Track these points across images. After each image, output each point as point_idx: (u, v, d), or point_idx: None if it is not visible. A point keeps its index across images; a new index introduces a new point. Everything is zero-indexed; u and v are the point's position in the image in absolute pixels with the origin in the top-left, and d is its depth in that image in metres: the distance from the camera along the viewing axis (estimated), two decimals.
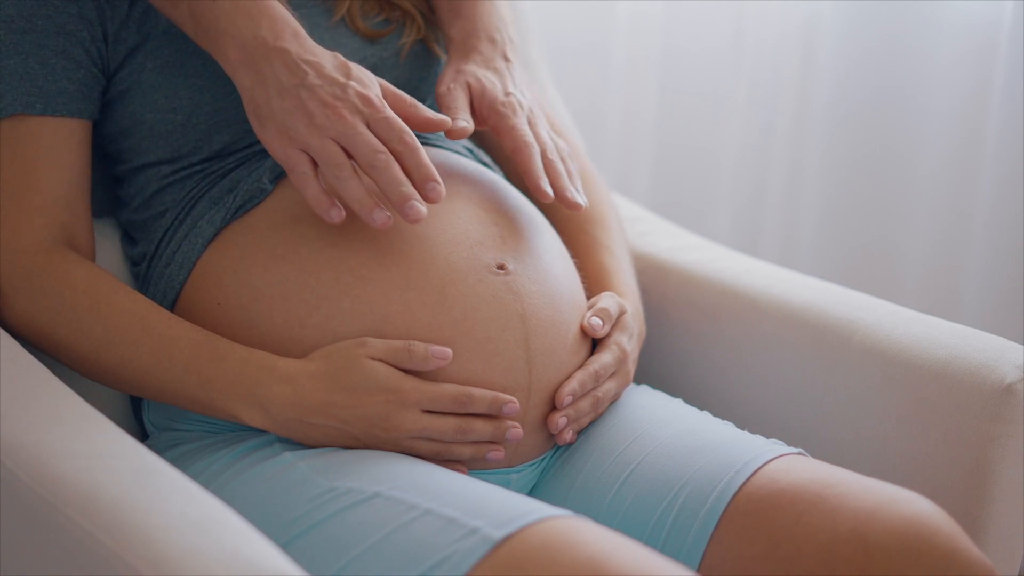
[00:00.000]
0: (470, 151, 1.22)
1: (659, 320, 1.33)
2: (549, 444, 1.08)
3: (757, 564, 0.94)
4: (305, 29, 1.13)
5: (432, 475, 0.93)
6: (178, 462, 1.01)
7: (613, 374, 1.09)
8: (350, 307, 1.00)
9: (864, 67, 1.95)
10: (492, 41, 1.15)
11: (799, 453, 1.03)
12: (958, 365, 1.12)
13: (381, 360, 0.97)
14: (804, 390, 1.22)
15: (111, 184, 1.16)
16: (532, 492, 1.08)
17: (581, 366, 1.07)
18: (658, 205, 2.01)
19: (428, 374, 0.99)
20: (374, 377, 0.96)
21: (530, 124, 1.10)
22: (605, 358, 1.07)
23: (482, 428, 0.99)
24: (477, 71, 1.12)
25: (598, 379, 1.06)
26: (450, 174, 1.09)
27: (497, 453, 1.01)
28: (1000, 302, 1.92)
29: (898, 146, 1.96)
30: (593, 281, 1.18)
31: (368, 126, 0.98)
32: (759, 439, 1.05)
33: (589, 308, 1.11)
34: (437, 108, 1.21)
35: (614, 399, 1.11)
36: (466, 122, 1.07)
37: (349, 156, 0.98)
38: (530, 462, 1.07)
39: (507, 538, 0.84)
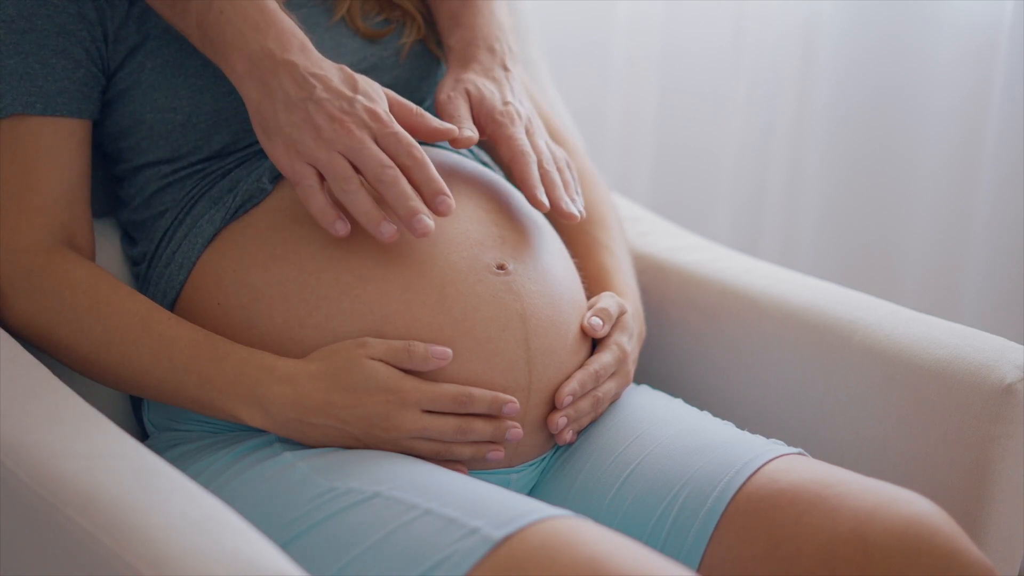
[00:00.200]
0: (471, 151, 1.22)
1: (659, 320, 1.33)
2: (549, 444, 1.08)
3: (757, 564, 0.94)
4: (305, 29, 1.13)
5: (432, 475, 0.93)
6: (178, 462, 1.01)
7: (613, 374, 1.09)
8: (350, 307, 1.00)
9: (864, 67, 1.95)
10: (491, 50, 1.15)
11: (799, 453, 1.03)
12: (958, 365, 1.12)
13: (381, 360, 0.97)
14: (804, 390, 1.22)
15: (111, 184, 1.16)
16: (532, 492, 1.08)
17: (581, 366, 1.07)
18: (658, 205, 2.01)
19: (428, 374, 0.99)
20: (374, 377, 0.96)
21: (528, 134, 1.10)
22: (605, 358, 1.07)
23: (482, 428, 0.99)
24: (476, 80, 1.12)
25: (598, 379, 1.06)
26: (450, 174, 1.09)
27: (497, 453, 1.01)
28: (1000, 302, 1.92)
29: (898, 146, 1.96)
30: (593, 281, 1.18)
31: (376, 141, 0.98)
32: (759, 439, 1.05)
33: (589, 308, 1.11)
34: (436, 112, 1.21)
35: (614, 399, 1.11)
36: (471, 131, 1.07)
37: (356, 170, 0.98)
38: (530, 462, 1.07)
39: (507, 538, 0.84)
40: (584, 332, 1.08)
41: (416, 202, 0.97)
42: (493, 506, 0.87)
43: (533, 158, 1.08)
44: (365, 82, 1.02)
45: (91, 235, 1.11)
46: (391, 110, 1.03)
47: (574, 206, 1.07)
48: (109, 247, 1.16)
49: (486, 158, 1.24)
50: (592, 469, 1.05)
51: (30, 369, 0.98)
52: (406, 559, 0.85)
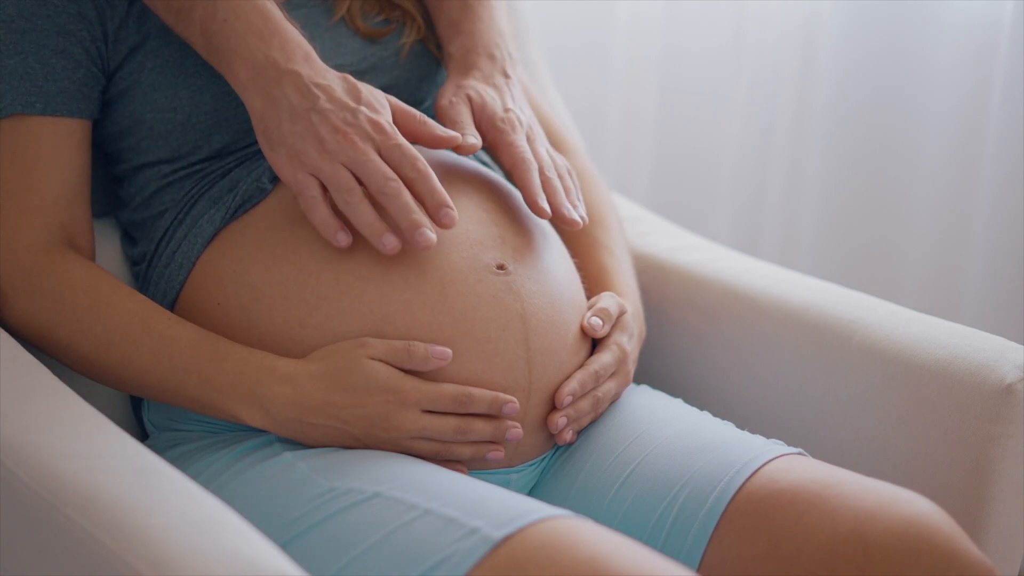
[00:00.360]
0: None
1: (659, 320, 1.33)
2: (549, 444, 1.08)
3: (757, 564, 0.94)
4: (305, 29, 1.13)
5: (432, 475, 0.93)
6: (178, 462, 1.01)
7: (613, 374, 1.09)
8: (350, 307, 1.00)
9: (864, 67, 1.95)
10: (491, 58, 1.16)
11: (799, 453, 1.03)
12: (958, 365, 1.12)
13: (381, 360, 0.97)
14: (804, 390, 1.22)
15: (111, 184, 1.16)
16: (532, 492, 1.08)
17: (581, 366, 1.07)
18: (658, 205, 2.01)
19: (428, 374, 0.99)
20: (374, 377, 0.96)
21: (529, 140, 1.10)
22: (605, 358, 1.07)
23: (482, 428, 0.99)
24: (477, 86, 1.12)
25: (598, 379, 1.06)
26: (450, 174, 1.09)
27: (497, 453, 1.01)
28: (1000, 302, 1.92)
29: (898, 146, 1.96)
30: (593, 281, 1.18)
31: (379, 153, 0.98)
32: (759, 439, 1.05)
33: (589, 308, 1.11)
34: (437, 117, 1.21)
35: (614, 399, 1.11)
36: (474, 138, 1.07)
37: (359, 181, 0.98)
38: (530, 462, 1.07)
39: (507, 538, 0.84)
40: (584, 332, 1.08)
41: (418, 215, 0.97)
42: (493, 506, 0.87)
43: (534, 165, 1.08)
44: (368, 91, 1.02)
45: (91, 235, 1.11)
46: (394, 117, 1.03)
47: (576, 212, 1.07)
48: (109, 247, 1.16)
49: (486, 158, 1.24)
50: (592, 469, 1.05)
51: (30, 369, 0.98)
52: (406, 559, 0.85)
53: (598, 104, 2.08)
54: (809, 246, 2.06)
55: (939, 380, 1.12)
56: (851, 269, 2.03)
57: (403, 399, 0.96)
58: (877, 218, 2.01)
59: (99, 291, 1.03)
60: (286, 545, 0.90)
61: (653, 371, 1.33)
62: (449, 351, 0.98)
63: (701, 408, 1.16)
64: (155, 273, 1.10)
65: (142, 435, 1.12)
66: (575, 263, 1.15)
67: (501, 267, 1.04)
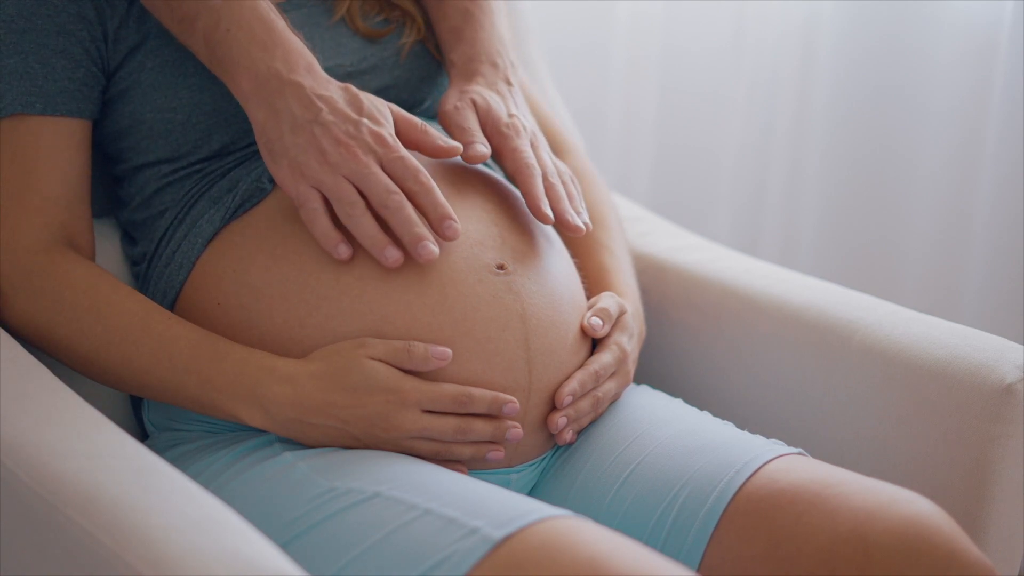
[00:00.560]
0: None
1: (659, 320, 1.33)
2: (549, 444, 1.08)
3: (757, 564, 0.94)
4: (305, 28, 1.13)
5: (432, 475, 0.93)
6: (178, 462, 1.01)
7: (613, 374, 1.09)
8: (350, 307, 1.00)
9: (864, 67, 1.95)
10: (494, 65, 1.16)
11: (799, 453, 1.03)
12: (958, 365, 1.12)
13: (381, 360, 0.97)
14: (804, 390, 1.22)
15: (111, 184, 1.16)
16: (532, 492, 1.08)
17: (581, 366, 1.07)
18: (658, 205, 2.01)
19: (428, 374, 0.99)
20: (374, 377, 0.96)
21: (532, 147, 1.10)
22: (605, 358, 1.07)
23: (482, 428, 0.99)
24: (481, 91, 1.12)
25: (598, 379, 1.07)
26: (450, 173, 1.09)
27: (497, 453, 1.01)
28: (1000, 302, 1.92)
29: (898, 146, 1.96)
30: (593, 281, 1.19)
31: (382, 165, 0.99)
32: (759, 439, 1.05)
33: (589, 308, 1.11)
34: (438, 112, 1.21)
35: (614, 399, 1.11)
36: (484, 146, 1.07)
37: (361, 194, 0.98)
38: (530, 462, 1.07)
39: (507, 538, 0.84)
40: (584, 332, 1.08)
41: (421, 228, 0.98)
42: (493, 506, 0.87)
43: (538, 171, 1.08)
44: (370, 102, 1.02)
45: (91, 235, 1.11)
46: (396, 127, 1.03)
47: (579, 219, 1.07)
48: (109, 247, 1.16)
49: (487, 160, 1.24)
50: (592, 469, 1.05)
51: (30, 369, 0.98)
52: (406, 559, 0.85)
53: (598, 104, 2.08)
54: (809, 246, 2.06)
55: (939, 380, 1.12)
56: (851, 269, 2.03)
57: (403, 399, 0.96)
58: (877, 218, 2.01)
59: (99, 291, 1.03)
60: (286, 545, 0.90)
61: (653, 371, 1.33)
62: (449, 351, 0.98)
63: (701, 408, 1.16)
64: (155, 273, 1.10)
65: (142, 435, 1.12)
66: (575, 263, 1.15)
67: (501, 267, 1.04)
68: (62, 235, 1.07)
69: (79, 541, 0.80)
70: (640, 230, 1.42)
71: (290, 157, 0.99)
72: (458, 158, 1.12)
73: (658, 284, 1.34)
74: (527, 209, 1.12)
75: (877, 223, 2.01)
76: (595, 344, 1.10)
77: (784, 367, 1.23)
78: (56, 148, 1.07)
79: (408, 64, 1.19)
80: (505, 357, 1.01)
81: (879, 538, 0.91)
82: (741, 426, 1.11)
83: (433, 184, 0.99)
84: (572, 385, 1.04)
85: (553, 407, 1.05)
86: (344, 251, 0.99)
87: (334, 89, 1.01)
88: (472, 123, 1.09)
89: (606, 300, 1.12)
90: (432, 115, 1.22)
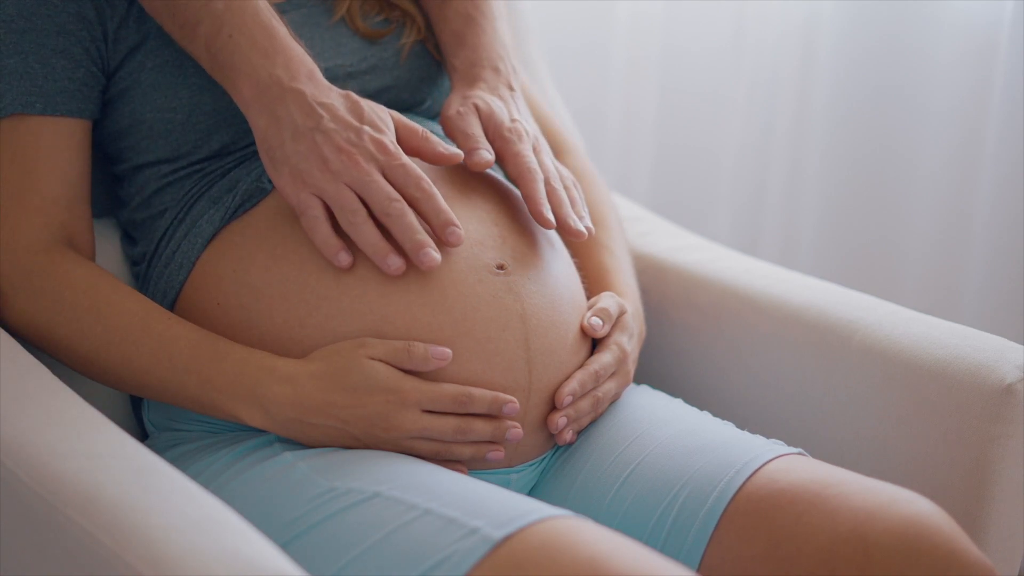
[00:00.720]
0: None
1: (659, 320, 1.33)
2: (549, 444, 1.08)
3: (757, 564, 0.94)
4: (305, 28, 1.13)
5: (432, 475, 0.93)
6: (178, 462, 1.01)
7: (613, 374, 1.09)
8: (350, 307, 1.00)
9: (864, 67, 1.95)
10: (496, 70, 1.16)
11: (799, 453, 1.03)
12: (958, 365, 1.12)
13: (381, 360, 0.97)
14: (804, 390, 1.22)
15: (111, 184, 1.16)
16: (532, 492, 1.08)
17: (581, 366, 1.07)
18: (658, 205, 2.01)
19: (428, 374, 0.99)
20: (374, 377, 0.96)
21: (535, 152, 1.10)
22: (605, 358, 1.08)
23: (482, 428, 0.99)
24: (484, 96, 1.12)
25: (598, 379, 1.07)
26: (450, 173, 1.09)
27: (497, 453, 1.01)
28: (1000, 302, 1.92)
29: (898, 146, 1.96)
30: (593, 281, 1.19)
31: (383, 173, 0.99)
32: (759, 439, 1.05)
33: (589, 308, 1.11)
34: (438, 112, 1.20)
35: (614, 399, 1.11)
36: (488, 152, 1.07)
37: (363, 201, 0.98)
38: (530, 462, 1.07)
39: (507, 538, 0.84)
40: (584, 332, 1.08)
41: (422, 235, 0.98)
42: (493, 506, 0.87)
43: (540, 176, 1.08)
44: (371, 109, 1.02)
45: (91, 235, 1.11)
46: (397, 133, 1.03)
47: (581, 224, 1.07)
48: (109, 247, 1.16)
49: None
50: (592, 469, 1.05)
51: (30, 369, 0.98)
52: (406, 559, 0.85)
53: (598, 104, 2.08)
54: (809, 246, 2.06)
55: (939, 380, 1.12)
56: (851, 269, 2.03)
57: (403, 399, 0.96)
58: (877, 218, 2.01)
59: (99, 291, 1.03)
60: (286, 545, 0.90)
61: (653, 371, 1.33)
62: (449, 351, 0.98)
63: (701, 408, 1.16)
64: (155, 273, 1.10)
65: (142, 435, 1.12)
66: (575, 263, 1.15)
67: (501, 267, 1.04)
68: (62, 235, 1.07)
69: (79, 541, 0.80)
70: (640, 230, 1.42)
71: (291, 165, 0.99)
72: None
73: (658, 284, 1.34)
74: (527, 208, 1.12)
75: (877, 223, 2.01)
76: (595, 344, 1.10)
77: (784, 367, 1.23)
78: (56, 148, 1.07)
79: (408, 64, 1.19)
80: (505, 357, 1.01)
81: (879, 538, 0.91)
82: (741, 426, 1.11)
83: (435, 191, 0.99)
84: (572, 385, 1.04)
85: (553, 407, 1.05)
86: (345, 259, 0.99)
87: (335, 96, 1.01)
88: (476, 129, 1.09)
89: (606, 300, 1.12)
90: (432, 115, 1.23)
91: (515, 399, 1.00)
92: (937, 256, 1.96)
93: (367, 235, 0.98)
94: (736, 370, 1.28)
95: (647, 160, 2.11)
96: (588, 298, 1.14)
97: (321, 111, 0.99)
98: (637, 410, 1.10)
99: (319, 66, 1.06)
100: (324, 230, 0.99)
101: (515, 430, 1.00)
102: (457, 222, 0.99)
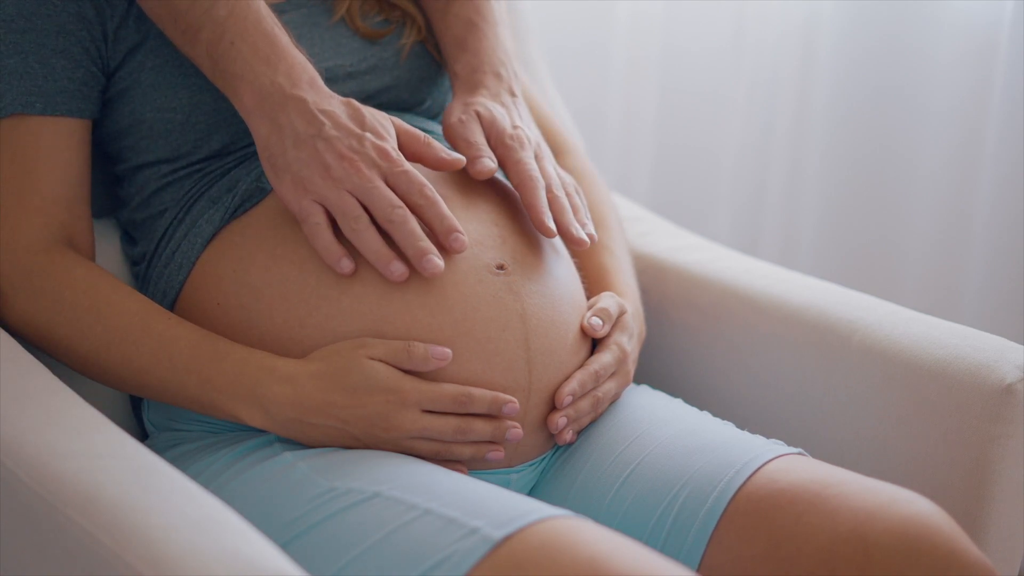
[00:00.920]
0: None
1: (659, 320, 1.33)
2: (549, 444, 1.08)
3: (757, 564, 0.94)
4: (305, 29, 1.13)
5: (432, 475, 0.93)
6: (178, 462, 1.01)
7: (613, 374, 1.09)
8: (350, 307, 1.00)
9: (864, 67, 1.95)
10: (498, 76, 1.16)
11: (799, 453, 1.03)
12: (958, 365, 1.12)
13: (381, 360, 0.97)
14: (804, 390, 1.22)
15: (111, 184, 1.16)
16: (532, 492, 1.08)
17: (581, 366, 1.07)
18: (658, 205, 2.01)
19: (428, 374, 0.99)
20: (374, 377, 0.96)
21: (536, 159, 1.10)
22: (605, 358, 1.08)
23: (482, 428, 0.99)
24: (486, 102, 1.12)
25: (598, 379, 1.07)
26: (450, 174, 1.09)
27: (497, 453, 1.01)
28: (1000, 302, 1.92)
29: (898, 146, 1.96)
30: (593, 281, 1.18)
31: (385, 179, 0.99)
32: (759, 439, 1.05)
33: (589, 308, 1.11)
34: (439, 112, 1.20)
35: (614, 399, 1.11)
36: (491, 160, 1.07)
37: (365, 208, 0.98)
38: (530, 462, 1.07)
39: (507, 538, 0.84)
40: (584, 332, 1.08)
41: (425, 242, 0.98)
42: (493, 506, 0.87)
43: (541, 183, 1.08)
44: (372, 116, 1.02)
45: (91, 235, 1.11)
46: (399, 139, 1.03)
47: (583, 232, 1.07)
48: (109, 247, 1.16)
49: None
50: (592, 469, 1.05)
51: (30, 369, 0.98)
52: (406, 559, 0.85)
53: (598, 104, 2.08)
54: (809, 246, 2.06)
55: (939, 380, 1.12)
56: (851, 269, 2.03)
57: (403, 399, 0.96)
58: (877, 218, 2.01)
59: (99, 291, 1.03)
60: (286, 545, 0.90)
61: (653, 371, 1.33)
62: (449, 351, 0.98)
63: (701, 408, 1.16)
64: (155, 273, 1.10)
65: (142, 435, 1.12)
66: (575, 263, 1.15)
67: (501, 267, 1.04)
68: (62, 235, 1.07)
69: (79, 541, 0.80)
70: (640, 230, 1.42)
71: (293, 172, 0.99)
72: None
73: (658, 284, 1.34)
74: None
75: (877, 223, 2.01)
76: (595, 344, 1.10)
77: (784, 367, 1.23)
78: (56, 148, 1.07)
79: (408, 64, 1.19)
80: (505, 357, 1.01)
81: (879, 538, 0.91)
82: (741, 426, 1.11)
83: (438, 197, 0.99)
84: (572, 385, 1.04)
85: (553, 407, 1.05)
86: (347, 265, 0.99)
87: (337, 103, 1.01)
88: (478, 136, 1.09)
89: (606, 300, 1.12)
90: (432, 115, 1.23)
91: (515, 399, 1.00)
92: (937, 256, 1.96)
93: (370, 242, 0.98)
94: (736, 370, 1.28)
95: (647, 160, 2.11)
96: (588, 298, 1.14)
97: (323, 118, 0.99)
98: (637, 410, 1.10)
99: (319, 66, 1.06)
100: (326, 236, 0.99)
101: (515, 430, 1.00)
102: (461, 229, 0.99)
